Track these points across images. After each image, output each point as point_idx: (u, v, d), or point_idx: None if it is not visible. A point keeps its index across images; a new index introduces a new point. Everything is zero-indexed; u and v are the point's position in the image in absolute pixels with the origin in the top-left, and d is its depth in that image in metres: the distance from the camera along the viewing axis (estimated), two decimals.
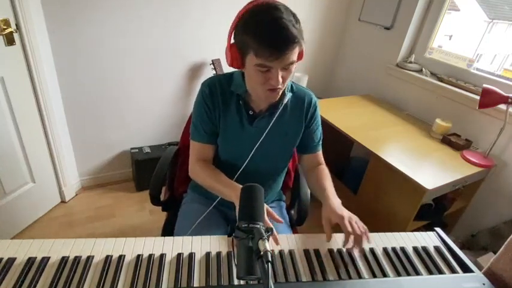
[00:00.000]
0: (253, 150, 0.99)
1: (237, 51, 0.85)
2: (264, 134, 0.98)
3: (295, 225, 1.20)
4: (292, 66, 0.85)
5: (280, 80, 0.84)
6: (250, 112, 0.99)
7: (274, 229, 0.83)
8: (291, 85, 1.04)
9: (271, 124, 0.99)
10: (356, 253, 0.85)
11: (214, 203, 1.01)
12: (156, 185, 1.13)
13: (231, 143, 1.03)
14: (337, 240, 0.89)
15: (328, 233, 0.89)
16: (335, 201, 0.94)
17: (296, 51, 0.82)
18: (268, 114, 0.99)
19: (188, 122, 1.28)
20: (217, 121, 1.00)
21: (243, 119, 0.99)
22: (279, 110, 0.98)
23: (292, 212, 1.29)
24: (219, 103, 0.98)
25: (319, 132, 1.11)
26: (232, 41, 0.86)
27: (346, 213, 0.89)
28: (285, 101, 0.98)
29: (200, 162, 1.03)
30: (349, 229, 0.85)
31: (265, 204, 0.85)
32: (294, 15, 0.82)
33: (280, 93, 0.91)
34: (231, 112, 0.99)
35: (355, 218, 0.89)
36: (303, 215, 1.13)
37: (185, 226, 1.03)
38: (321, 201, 0.99)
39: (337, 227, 0.89)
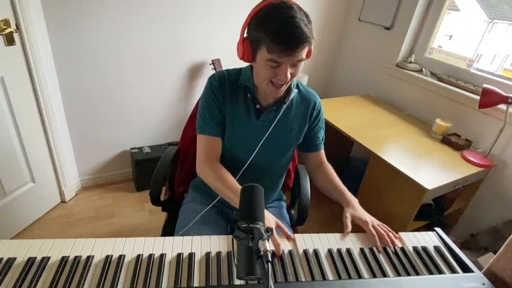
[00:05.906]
0: (260, 144, 1.00)
1: (249, 46, 0.88)
2: (271, 128, 1.01)
3: (295, 225, 1.20)
4: (301, 64, 0.88)
5: (289, 76, 0.87)
6: (257, 106, 1.01)
7: (282, 227, 0.87)
8: (297, 83, 1.06)
9: (277, 118, 1.01)
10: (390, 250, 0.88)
11: (214, 202, 1.01)
12: (156, 185, 1.13)
13: (237, 136, 1.03)
14: (337, 240, 0.89)
15: (348, 227, 0.93)
16: (355, 204, 1.00)
17: (306, 49, 0.86)
18: (275, 109, 1.01)
19: (188, 123, 1.27)
20: (225, 113, 1.01)
21: (250, 112, 1.01)
22: (286, 105, 1.01)
23: (292, 212, 1.29)
24: (228, 94, 1.00)
25: (322, 132, 1.15)
26: (245, 35, 0.90)
27: (368, 218, 0.96)
28: (292, 96, 1.01)
29: (209, 162, 1.02)
30: (374, 233, 0.91)
31: (276, 219, 0.90)
32: (306, 15, 0.85)
33: (284, 90, 0.95)
34: (239, 104, 1.01)
35: (376, 222, 0.95)
36: (303, 215, 1.13)
37: (186, 226, 1.03)
38: (336, 199, 1.06)
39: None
